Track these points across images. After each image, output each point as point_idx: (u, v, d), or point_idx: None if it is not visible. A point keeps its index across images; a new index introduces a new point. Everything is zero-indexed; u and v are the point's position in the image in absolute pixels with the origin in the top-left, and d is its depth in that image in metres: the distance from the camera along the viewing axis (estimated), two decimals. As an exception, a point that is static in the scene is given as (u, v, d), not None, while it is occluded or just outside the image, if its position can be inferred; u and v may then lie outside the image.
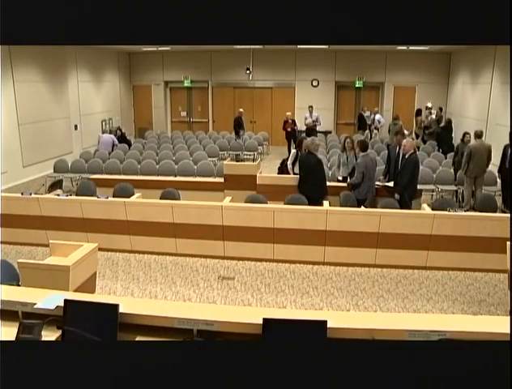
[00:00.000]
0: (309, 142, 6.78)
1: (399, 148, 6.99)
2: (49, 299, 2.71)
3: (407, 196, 6.39)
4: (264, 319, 2.31)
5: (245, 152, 12.31)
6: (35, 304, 2.67)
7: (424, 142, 11.59)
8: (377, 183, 6.95)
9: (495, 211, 6.19)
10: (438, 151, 10.91)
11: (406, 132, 8.95)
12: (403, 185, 6.46)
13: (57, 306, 2.58)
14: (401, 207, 6.20)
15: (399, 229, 5.44)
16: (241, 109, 13.42)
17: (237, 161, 11.38)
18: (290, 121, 12.70)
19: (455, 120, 13.55)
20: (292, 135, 12.52)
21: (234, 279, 5.33)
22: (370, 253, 5.57)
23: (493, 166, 8.79)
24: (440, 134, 11.16)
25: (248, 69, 14.95)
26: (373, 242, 5.52)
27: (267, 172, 9.57)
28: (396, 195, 6.45)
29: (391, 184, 6.85)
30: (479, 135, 7.79)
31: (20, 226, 6.14)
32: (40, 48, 10.59)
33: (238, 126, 12.97)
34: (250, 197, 6.31)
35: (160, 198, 6.35)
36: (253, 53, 14.91)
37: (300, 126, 13.13)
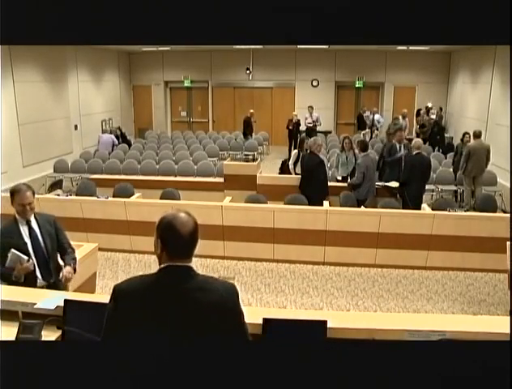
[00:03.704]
0: (311, 142, 6.79)
1: (400, 145, 7.08)
2: (49, 299, 2.71)
3: (407, 196, 6.41)
4: (264, 319, 2.31)
5: (245, 152, 12.32)
6: (35, 304, 2.67)
7: (424, 142, 11.65)
8: (378, 183, 6.95)
9: (495, 211, 6.19)
10: (438, 150, 10.96)
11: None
12: (402, 182, 6.56)
13: (58, 306, 2.58)
14: (403, 206, 6.22)
15: (399, 229, 5.44)
16: (251, 110, 13.42)
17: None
18: (295, 120, 12.73)
19: (455, 120, 13.58)
20: (293, 135, 12.54)
21: (234, 279, 5.32)
22: (370, 253, 5.57)
23: (494, 166, 8.79)
24: (432, 135, 11.60)
25: (248, 69, 14.95)
26: (373, 242, 5.52)
27: (267, 172, 9.57)
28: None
29: (392, 184, 6.86)
30: (477, 135, 7.79)
31: (20, 226, 6.13)
32: (40, 48, 10.58)
33: (247, 126, 12.99)
34: (250, 197, 6.31)
35: (160, 198, 6.34)
36: (253, 53, 14.90)
37: (302, 125, 13.15)
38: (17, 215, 3.19)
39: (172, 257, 1.70)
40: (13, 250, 3.03)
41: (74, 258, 3.37)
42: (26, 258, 3.04)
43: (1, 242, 3.11)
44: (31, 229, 3.19)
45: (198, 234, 1.74)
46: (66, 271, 3.19)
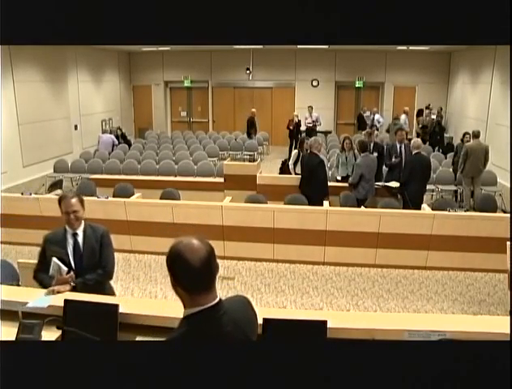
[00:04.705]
0: (312, 141, 6.79)
1: (401, 145, 7.09)
2: (42, 298, 2.73)
3: (407, 196, 6.41)
4: (264, 319, 2.31)
5: (245, 152, 12.33)
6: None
7: (424, 142, 11.68)
8: (378, 183, 6.95)
9: (495, 211, 6.19)
10: (438, 150, 10.97)
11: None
12: (402, 182, 6.57)
13: (58, 306, 2.58)
14: (403, 206, 6.22)
15: (399, 229, 5.44)
16: (253, 109, 13.42)
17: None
18: (296, 120, 12.73)
19: (455, 120, 13.58)
20: (294, 135, 12.57)
21: (234, 279, 5.33)
22: (370, 253, 5.57)
23: (494, 166, 8.80)
24: (433, 135, 11.71)
25: (248, 69, 14.95)
26: (373, 242, 5.52)
27: (267, 172, 9.57)
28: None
29: (392, 184, 6.86)
30: (476, 135, 7.80)
31: (20, 226, 6.14)
32: (40, 48, 10.59)
33: (251, 126, 13.00)
34: (250, 197, 6.31)
35: (160, 198, 6.35)
36: (253, 53, 14.90)
37: (302, 126, 13.17)
38: (66, 226, 3.09)
39: (189, 293, 1.51)
40: (54, 259, 2.94)
41: (87, 280, 3.01)
42: (66, 269, 2.93)
43: (46, 249, 3.06)
44: (76, 243, 3.08)
45: (213, 263, 1.51)
46: (59, 287, 2.87)
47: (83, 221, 3.14)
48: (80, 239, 3.09)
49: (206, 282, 1.51)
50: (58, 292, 2.83)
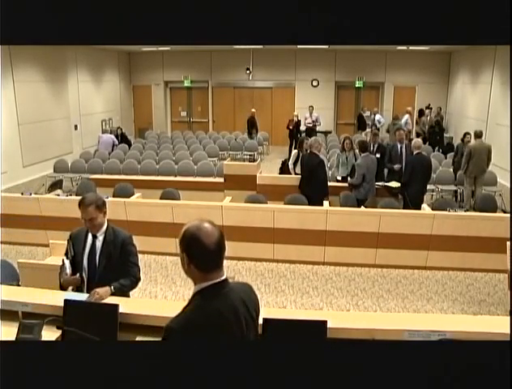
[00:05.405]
0: (312, 141, 6.79)
1: (401, 145, 7.09)
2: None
3: (407, 196, 6.41)
4: (264, 319, 2.31)
5: (245, 152, 12.33)
6: (35, 304, 2.68)
7: (425, 141, 11.68)
8: (378, 183, 6.95)
9: (495, 211, 6.19)
10: (438, 151, 10.97)
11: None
12: (402, 183, 6.57)
13: (58, 306, 2.59)
14: (404, 207, 6.22)
15: (399, 229, 5.44)
16: (253, 109, 13.44)
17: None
18: (295, 119, 12.73)
19: (455, 120, 13.59)
20: (294, 135, 12.57)
21: (234, 279, 5.31)
22: (370, 253, 5.57)
23: (494, 166, 8.79)
24: (432, 136, 11.74)
25: (248, 69, 14.95)
26: (373, 242, 5.52)
27: (267, 172, 9.57)
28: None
29: (392, 184, 6.86)
30: (478, 135, 7.80)
31: (20, 226, 6.14)
32: (40, 48, 10.59)
33: (251, 126, 13.01)
34: (250, 197, 6.31)
35: (160, 198, 6.34)
36: (253, 53, 14.90)
37: (302, 125, 13.17)
38: None
39: (202, 271, 1.66)
40: (64, 259, 2.94)
41: (123, 286, 2.96)
42: (68, 272, 2.89)
43: (68, 246, 3.05)
44: (93, 245, 3.02)
45: (224, 243, 1.71)
46: (99, 290, 2.79)
47: (105, 225, 3.07)
48: (99, 243, 3.02)
49: (217, 261, 1.71)
50: (101, 298, 2.75)
